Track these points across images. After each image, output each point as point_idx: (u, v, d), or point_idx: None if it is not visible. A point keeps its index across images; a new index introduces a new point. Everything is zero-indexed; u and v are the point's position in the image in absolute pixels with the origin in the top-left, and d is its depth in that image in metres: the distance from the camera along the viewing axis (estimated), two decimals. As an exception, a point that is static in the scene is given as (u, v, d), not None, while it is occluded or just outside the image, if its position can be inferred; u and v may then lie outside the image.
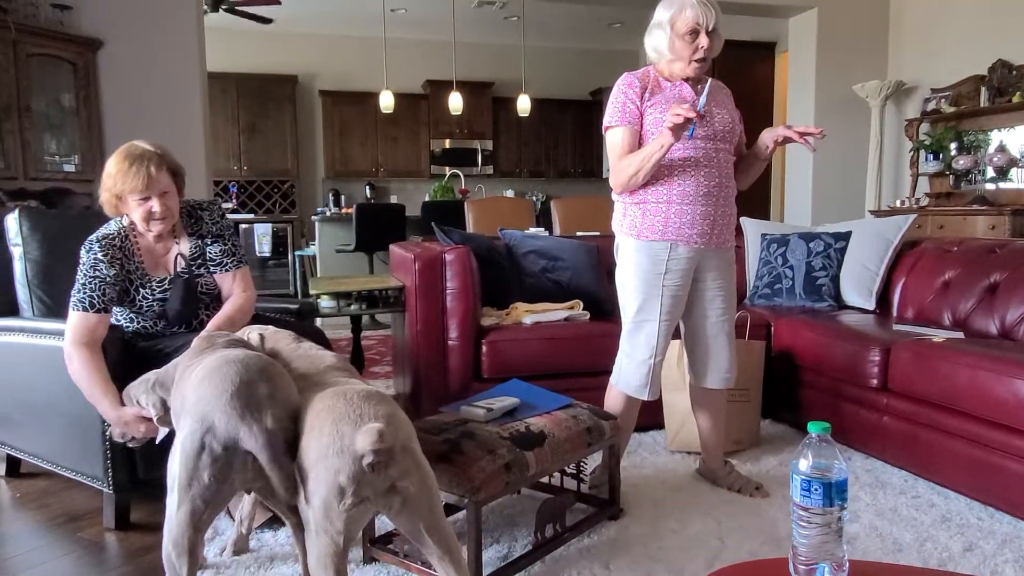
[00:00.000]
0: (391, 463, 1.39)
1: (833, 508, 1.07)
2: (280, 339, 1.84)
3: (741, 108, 2.37)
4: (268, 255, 8.41)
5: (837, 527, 1.07)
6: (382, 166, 9.10)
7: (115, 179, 2.11)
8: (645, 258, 2.25)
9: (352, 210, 6.66)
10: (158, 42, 4.61)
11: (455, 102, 7.46)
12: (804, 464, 1.09)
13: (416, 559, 1.87)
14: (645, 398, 2.33)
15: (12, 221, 2.53)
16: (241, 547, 2.01)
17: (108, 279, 2.12)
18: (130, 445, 1.98)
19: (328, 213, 7.77)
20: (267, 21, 7.14)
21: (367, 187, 9.10)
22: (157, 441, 1.87)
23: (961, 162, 5.15)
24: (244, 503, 1.98)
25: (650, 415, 2.69)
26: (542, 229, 4.73)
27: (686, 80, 2.24)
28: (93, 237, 2.16)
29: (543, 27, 8.67)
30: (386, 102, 7.29)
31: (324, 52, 8.89)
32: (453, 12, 7.40)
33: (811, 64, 5.93)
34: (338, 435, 1.38)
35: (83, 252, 2.14)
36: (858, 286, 3.31)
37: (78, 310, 2.08)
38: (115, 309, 2.21)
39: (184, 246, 2.29)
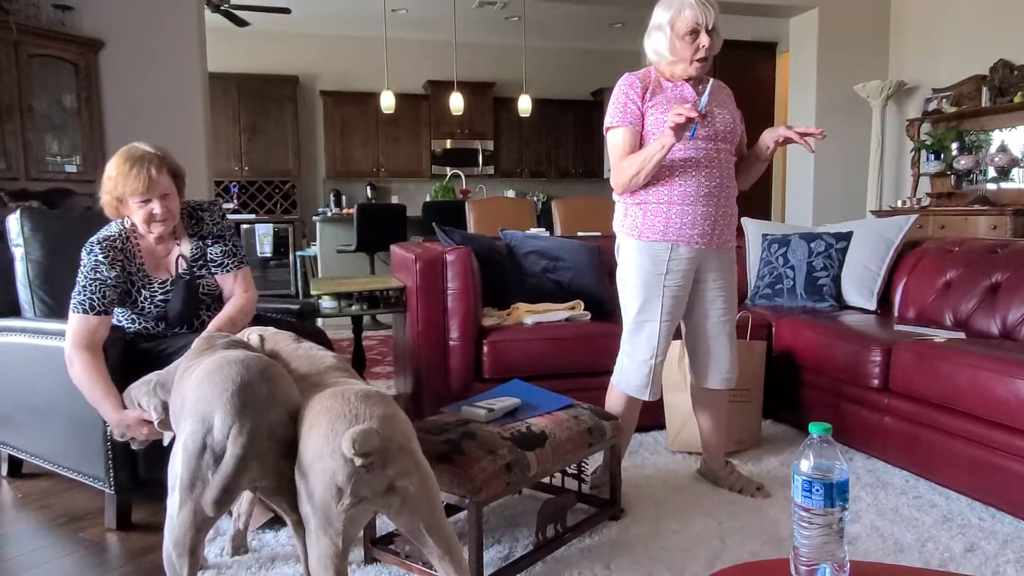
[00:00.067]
0: (388, 463, 1.39)
1: (834, 509, 1.07)
2: (280, 340, 1.84)
3: (742, 108, 2.37)
4: (269, 255, 8.42)
5: (838, 528, 1.07)
6: (383, 166, 9.10)
7: (116, 181, 2.11)
8: (646, 258, 2.25)
9: (353, 210, 6.67)
10: (159, 42, 4.61)
11: (456, 102, 7.47)
12: (805, 464, 1.09)
13: (417, 559, 1.87)
14: (646, 398, 2.33)
15: (14, 222, 2.53)
16: (239, 544, 2.01)
17: (109, 281, 2.12)
18: (133, 446, 1.98)
19: (329, 213, 7.78)
20: (286, 11, 7.10)
21: (368, 187, 9.10)
22: (165, 444, 1.87)
23: (962, 162, 5.15)
24: (242, 500, 1.98)
25: (651, 415, 2.69)
26: (543, 229, 4.73)
27: (688, 80, 2.24)
28: (94, 239, 2.16)
29: (544, 27, 8.67)
30: (387, 102, 7.29)
31: (325, 52, 8.90)
32: (454, 12, 7.40)
33: (812, 64, 5.93)
34: (334, 436, 1.38)
35: (84, 254, 2.14)
36: (859, 286, 3.31)
37: (78, 312, 2.08)
38: (116, 310, 2.21)
39: (185, 247, 2.29)
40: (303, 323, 2.63)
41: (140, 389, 1.79)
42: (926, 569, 1.83)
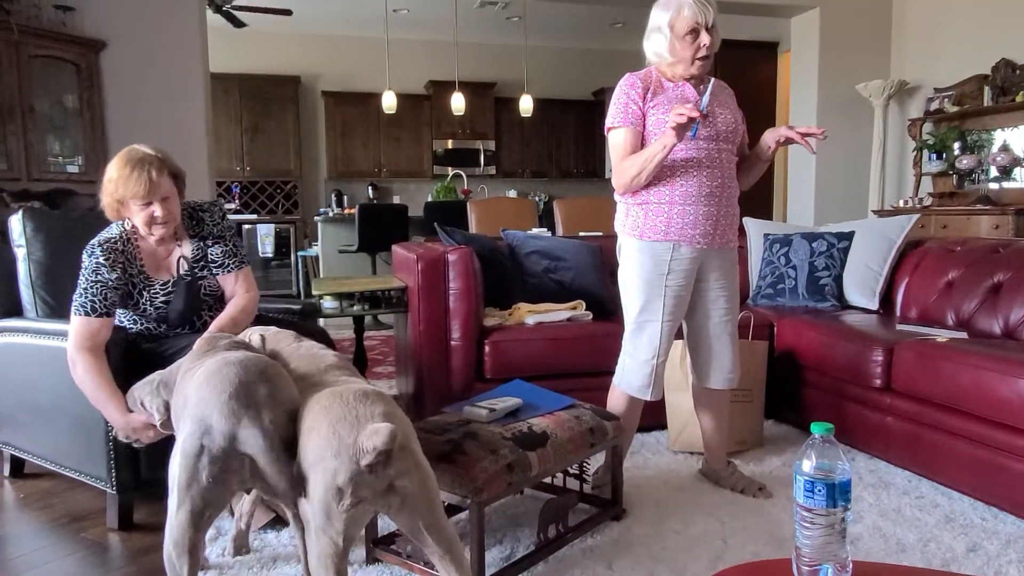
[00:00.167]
0: (389, 463, 1.39)
1: (836, 509, 1.07)
2: (281, 339, 1.84)
3: (743, 108, 2.37)
4: (271, 256, 8.42)
5: (840, 528, 1.07)
6: (384, 167, 9.10)
7: (116, 184, 2.10)
8: (648, 258, 2.25)
9: (355, 210, 6.67)
10: (161, 43, 4.62)
11: (457, 102, 7.47)
12: (807, 465, 1.08)
13: (419, 559, 1.87)
14: (648, 398, 2.32)
15: (16, 222, 2.53)
16: (241, 544, 2.01)
17: (110, 283, 2.12)
18: (135, 446, 1.99)
19: (331, 214, 7.79)
20: (287, 12, 7.10)
21: (370, 187, 9.11)
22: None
23: (964, 162, 5.14)
24: (244, 501, 1.98)
25: (653, 415, 2.69)
26: (544, 229, 4.73)
27: (689, 79, 2.24)
28: (95, 241, 2.16)
29: (545, 27, 8.67)
30: (388, 102, 7.30)
31: (327, 53, 8.90)
32: (455, 12, 7.41)
33: (814, 64, 5.92)
34: (335, 436, 1.38)
35: (85, 256, 2.14)
36: (861, 286, 3.31)
37: (80, 314, 2.08)
38: (118, 311, 2.21)
39: (186, 248, 2.29)
40: (305, 323, 2.63)
41: (144, 389, 1.80)
42: (928, 569, 1.82)
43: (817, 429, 1.11)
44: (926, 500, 2.37)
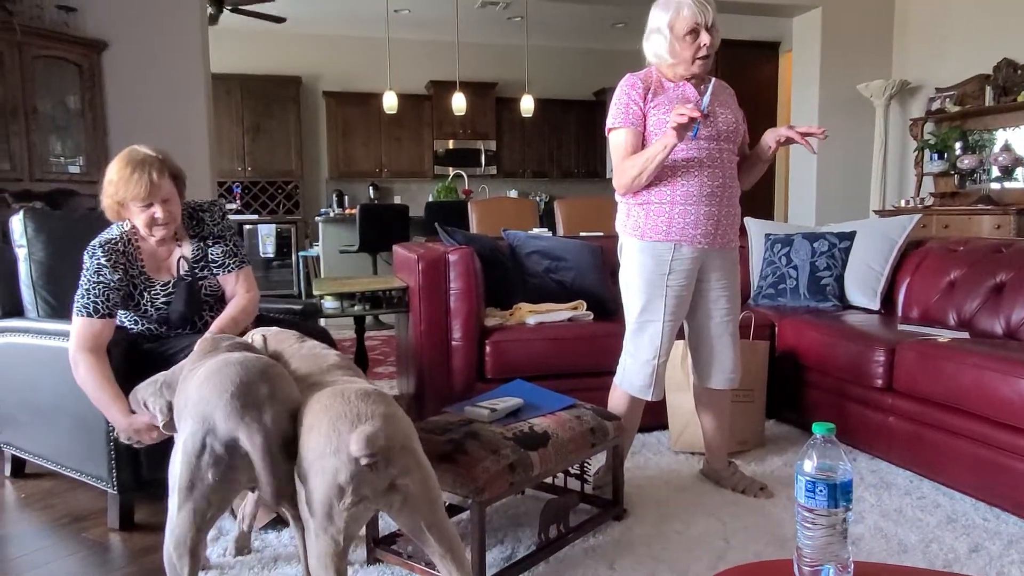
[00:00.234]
0: (390, 462, 1.39)
1: (838, 509, 1.06)
2: (283, 339, 1.84)
3: (745, 108, 2.37)
4: (272, 256, 8.42)
5: (842, 528, 1.07)
6: (386, 167, 9.11)
7: (117, 186, 2.10)
8: (649, 258, 2.24)
9: (356, 211, 6.68)
10: (162, 43, 4.62)
11: (458, 102, 7.47)
12: (809, 465, 1.08)
13: (420, 560, 1.87)
14: (649, 399, 2.32)
15: (17, 222, 2.54)
16: (242, 545, 2.02)
17: (112, 284, 2.12)
18: (136, 446, 1.99)
19: (332, 214, 7.80)
20: (280, 20, 7.12)
21: (371, 188, 9.11)
22: None
23: (966, 161, 5.13)
24: (246, 501, 1.98)
25: (654, 415, 2.69)
26: (545, 229, 4.73)
27: (690, 79, 2.24)
28: (96, 242, 2.16)
29: (546, 27, 8.67)
30: (390, 103, 7.30)
31: (328, 53, 8.91)
32: (456, 12, 7.40)
33: (815, 64, 5.92)
34: (335, 435, 1.38)
35: (86, 257, 2.14)
36: (862, 286, 3.30)
37: (82, 315, 2.08)
38: (119, 312, 2.21)
39: (186, 248, 2.29)
40: (306, 323, 2.63)
41: (147, 390, 1.79)
42: (930, 570, 1.82)
43: (818, 429, 1.10)
44: (928, 500, 2.36)
